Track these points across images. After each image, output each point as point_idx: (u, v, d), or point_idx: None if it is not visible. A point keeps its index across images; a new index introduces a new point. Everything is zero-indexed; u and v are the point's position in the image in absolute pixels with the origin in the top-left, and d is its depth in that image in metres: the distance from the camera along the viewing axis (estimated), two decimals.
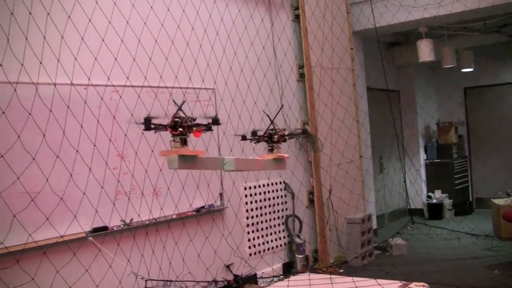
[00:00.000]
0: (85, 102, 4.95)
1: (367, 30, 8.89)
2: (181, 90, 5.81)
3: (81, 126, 4.87)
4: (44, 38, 4.63)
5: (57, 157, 4.64)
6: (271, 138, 4.22)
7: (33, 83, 4.50)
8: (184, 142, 3.48)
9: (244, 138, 4.36)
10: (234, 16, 6.68)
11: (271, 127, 4.34)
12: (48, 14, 4.67)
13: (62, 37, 4.75)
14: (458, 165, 12.24)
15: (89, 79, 4.97)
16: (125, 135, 5.24)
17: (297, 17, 7.75)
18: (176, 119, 3.43)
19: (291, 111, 7.48)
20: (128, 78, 5.29)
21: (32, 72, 4.48)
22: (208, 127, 3.58)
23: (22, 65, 4.40)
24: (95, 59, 5.01)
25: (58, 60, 4.72)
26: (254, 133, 4.28)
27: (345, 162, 8.11)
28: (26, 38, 4.48)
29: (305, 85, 7.68)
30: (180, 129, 3.44)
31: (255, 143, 4.33)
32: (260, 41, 7.05)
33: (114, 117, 5.18)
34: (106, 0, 5.20)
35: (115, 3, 5.24)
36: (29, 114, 4.45)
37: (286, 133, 4.42)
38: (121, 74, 5.26)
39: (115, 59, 5.20)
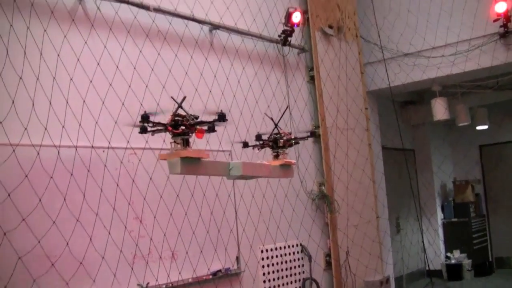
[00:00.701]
0: (104, 166, 4.99)
1: (382, 90, 8.98)
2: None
3: (101, 190, 4.89)
4: (67, 102, 4.72)
5: (77, 220, 4.65)
6: (276, 143, 3.86)
7: (55, 146, 4.56)
8: (186, 143, 3.22)
9: (246, 145, 4.08)
10: (251, 79, 6.78)
11: (276, 130, 4.04)
12: (71, 79, 4.78)
13: (84, 101, 4.84)
14: (476, 224, 12.12)
15: (109, 142, 5.02)
16: (144, 198, 5.25)
17: (312, 78, 7.85)
18: (176, 118, 3.16)
19: (307, 173, 7.48)
20: (147, 142, 5.33)
21: (54, 135, 4.55)
22: (211, 127, 3.30)
23: (45, 128, 4.47)
24: (115, 122, 5.08)
25: (80, 124, 4.80)
26: (258, 137, 3.97)
27: (362, 223, 8.05)
28: (50, 103, 4.57)
29: (321, 146, 7.71)
30: (182, 127, 3.18)
31: (259, 149, 4.04)
32: (276, 103, 7.12)
33: (133, 180, 5.20)
34: (127, 66, 5.31)
35: (135, 68, 5.35)
36: (51, 177, 4.49)
37: (292, 137, 4.13)
38: (139, 137, 5.30)
39: (134, 124, 5.25)
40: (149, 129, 3.18)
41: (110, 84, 5.11)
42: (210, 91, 6.13)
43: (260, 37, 6.97)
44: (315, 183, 7.70)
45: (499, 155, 13.00)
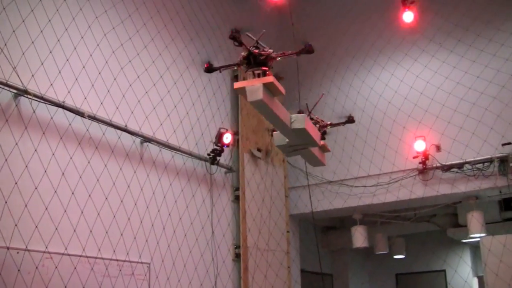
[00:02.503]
0: (18, 270, 4.87)
1: (304, 214, 9.20)
2: (117, 262, 5.80)
3: None
4: None
5: None
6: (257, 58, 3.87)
7: None
8: (264, 74, 3.62)
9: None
10: (176, 195, 6.88)
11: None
12: None
13: (5, 202, 4.79)
14: None
15: (26, 246, 4.93)
16: None
17: (237, 198, 8.00)
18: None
19: None
20: (66, 248, 5.26)
21: None
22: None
23: None
24: (36, 227, 5.02)
25: None
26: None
27: None
28: None
29: (240, 265, 7.75)
30: (261, 57, 3.62)
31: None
32: (200, 220, 7.21)
33: (46, 286, 5.08)
34: (55, 170, 5.32)
35: (63, 174, 5.37)
36: None
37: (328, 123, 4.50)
38: (58, 242, 5.24)
39: (56, 228, 5.22)
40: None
41: (36, 188, 5.10)
42: (135, 204, 6.17)
43: (190, 154, 7.16)
44: None
45: (414, 284, 13.28)
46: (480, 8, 8.53)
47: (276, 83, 3.72)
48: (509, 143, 7.78)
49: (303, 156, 4.73)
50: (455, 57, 8.49)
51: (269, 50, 3.87)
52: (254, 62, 3.82)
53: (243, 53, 3.81)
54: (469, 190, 8.14)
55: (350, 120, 5.25)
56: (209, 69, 4.23)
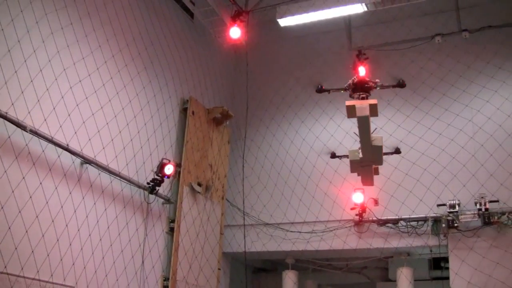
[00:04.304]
0: None
1: (237, 254, 9.20)
2: (39, 283, 5.63)
3: None
4: None
5: None
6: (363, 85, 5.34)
7: None
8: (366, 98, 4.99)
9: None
10: (110, 220, 6.77)
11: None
12: None
13: None
14: None
15: None
16: None
17: (171, 230, 7.91)
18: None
19: None
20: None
21: None
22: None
23: None
24: None
25: None
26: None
27: None
28: None
29: None
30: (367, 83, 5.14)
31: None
32: (131, 248, 7.09)
33: None
34: None
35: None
36: None
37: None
38: None
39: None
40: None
41: None
42: (67, 225, 6.03)
43: (129, 181, 7.08)
44: None
45: None
46: (427, 73, 8.86)
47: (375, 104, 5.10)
48: (443, 205, 8.01)
49: (363, 173, 6.16)
50: (401, 116, 8.75)
51: (376, 80, 5.44)
52: (360, 88, 5.29)
53: (353, 80, 5.31)
54: (401, 246, 8.32)
55: (400, 84, 6.38)
56: (320, 90, 6.28)
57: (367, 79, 5.36)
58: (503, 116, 8.19)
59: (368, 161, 5.78)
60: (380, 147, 5.57)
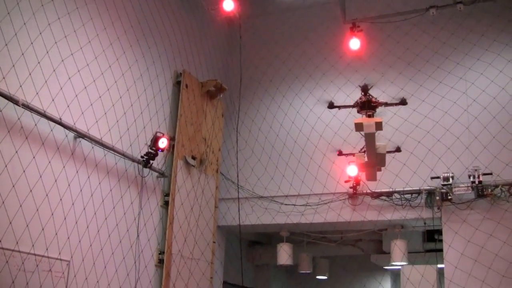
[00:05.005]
0: None
1: (232, 227, 9.23)
2: (35, 257, 5.64)
3: None
4: None
5: None
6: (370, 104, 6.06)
7: None
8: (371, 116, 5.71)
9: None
10: (104, 194, 6.76)
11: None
12: None
13: None
14: None
15: None
16: None
17: (166, 204, 7.93)
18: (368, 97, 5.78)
19: None
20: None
21: None
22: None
23: None
24: None
25: None
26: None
27: None
28: None
29: (163, 271, 7.67)
30: (374, 102, 5.86)
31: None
32: (126, 222, 7.10)
33: None
34: None
35: None
36: None
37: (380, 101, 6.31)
38: None
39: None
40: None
41: None
42: (61, 199, 6.03)
43: (123, 155, 7.06)
44: None
45: None
46: (421, 46, 8.82)
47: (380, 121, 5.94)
48: (437, 177, 8.03)
49: (368, 171, 6.94)
50: (395, 88, 8.73)
51: (380, 101, 6.32)
52: (368, 106, 6.11)
53: (361, 99, 6.16)
54: (395, 218, 8.36)
55: (402, 102, 7.09)
56: (331, 106, 7.13)
57: (373, 99, 6.17)
58: (497, 89, 8.17)
59: (372, 163, 6.65)
60: (384, 154, 6.48)
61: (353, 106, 6.38)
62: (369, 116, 6.14)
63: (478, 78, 8.33)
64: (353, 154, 7.74)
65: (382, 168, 7.60)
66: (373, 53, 8.97)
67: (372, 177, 7.40)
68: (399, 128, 8.47)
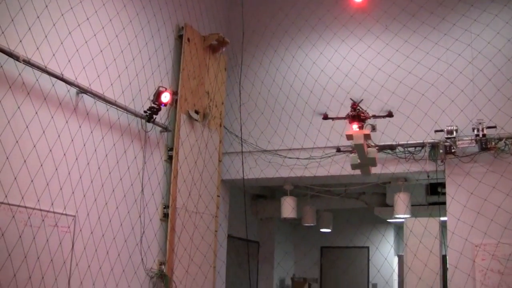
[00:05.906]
0: None
1: (235, 181, 9.27)
2: (40, 212, 5.69)
3: None
4: None
5: None
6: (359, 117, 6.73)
7: None
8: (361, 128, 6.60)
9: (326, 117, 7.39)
10: (108, 149, 6.78)
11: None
12: None
13: None
14: None
15: None
16: None
17: (170, 158, 7.95)
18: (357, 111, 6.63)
19: (149, 251, 7.45)
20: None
21: None
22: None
23: None
24: None
25: None
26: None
27: None
28: None
29: (167, 225, 7.74)
30: (362, 115, 6.67)
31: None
32: (130, 176, 7.14)
33: None
34: None
35: None
36: None
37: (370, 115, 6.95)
38: None
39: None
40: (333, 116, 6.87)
41: None
42: (65, 154, 6.05)
43: (126, 110, 7.05)
44: (156, 261, 7.66)
45: (337, 257, 13.65)
46: None
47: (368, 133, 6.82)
48: (441, 130, 8.01)
49: (363, 169, 7.50)
50: (399, 41, 8.63)
51: (368, 114, 6.90)
52: (358, 119, 6.74)
53: (351, 113, 6.79)
54: (398, 171, 8.37)
55: (389, 114, 7.23)
56: (325, 117, 7.42)
57: (362, 114, 6.77)
58: (503, 41, 8.05)
59: (366, 164, 7.28)
60: (374, 158, 7.08)
61: (344, 118, 6.96)
62: (359, 128, 6.76)
63: (483, 30, 8.20)
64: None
65: (388, 119, 7.64)
66: (376, 5, 8.84)
67: (366, 174, 7.81)
68: (403, 81, 8.40)
